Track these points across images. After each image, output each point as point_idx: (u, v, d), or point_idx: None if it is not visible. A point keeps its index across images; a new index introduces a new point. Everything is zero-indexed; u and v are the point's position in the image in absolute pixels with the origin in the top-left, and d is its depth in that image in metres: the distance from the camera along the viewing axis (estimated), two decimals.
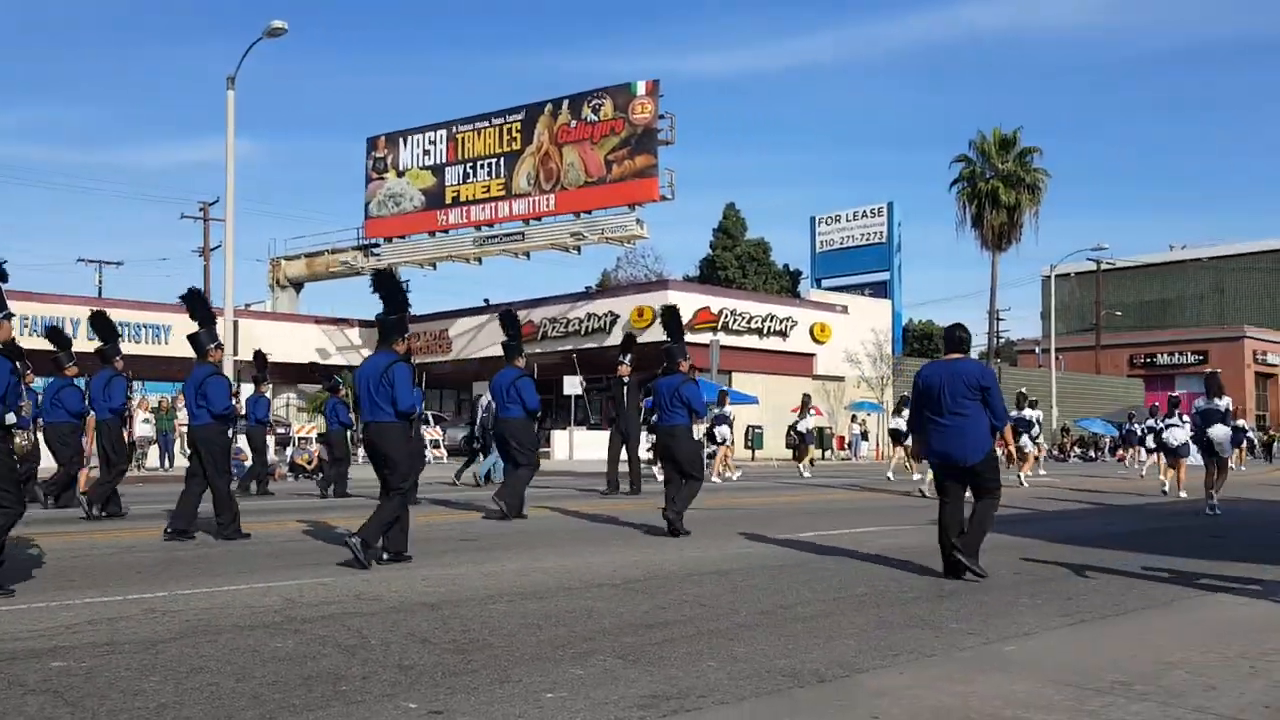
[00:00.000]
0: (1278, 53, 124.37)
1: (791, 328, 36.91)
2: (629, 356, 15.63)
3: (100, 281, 51.77)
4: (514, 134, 35.23)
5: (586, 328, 35.11)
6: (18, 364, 7.73)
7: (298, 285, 42.45)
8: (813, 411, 34.97)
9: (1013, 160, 42.92)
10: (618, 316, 34.40)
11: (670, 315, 11.05)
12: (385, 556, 7.65)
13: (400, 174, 38.00)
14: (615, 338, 34.49)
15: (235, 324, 24.60)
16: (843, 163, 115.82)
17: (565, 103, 34.18)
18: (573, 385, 26.48)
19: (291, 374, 38.59)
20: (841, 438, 38.56)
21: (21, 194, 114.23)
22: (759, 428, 32.42)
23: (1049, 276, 61.24)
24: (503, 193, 35.28)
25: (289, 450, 23.52)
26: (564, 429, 31.96)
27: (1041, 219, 43.88)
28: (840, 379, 38.23)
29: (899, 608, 6.07)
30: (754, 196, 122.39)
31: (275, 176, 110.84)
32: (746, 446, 32.19)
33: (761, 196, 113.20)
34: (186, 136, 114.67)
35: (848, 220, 48.52)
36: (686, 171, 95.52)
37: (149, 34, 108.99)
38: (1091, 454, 43.00)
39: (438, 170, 37.05)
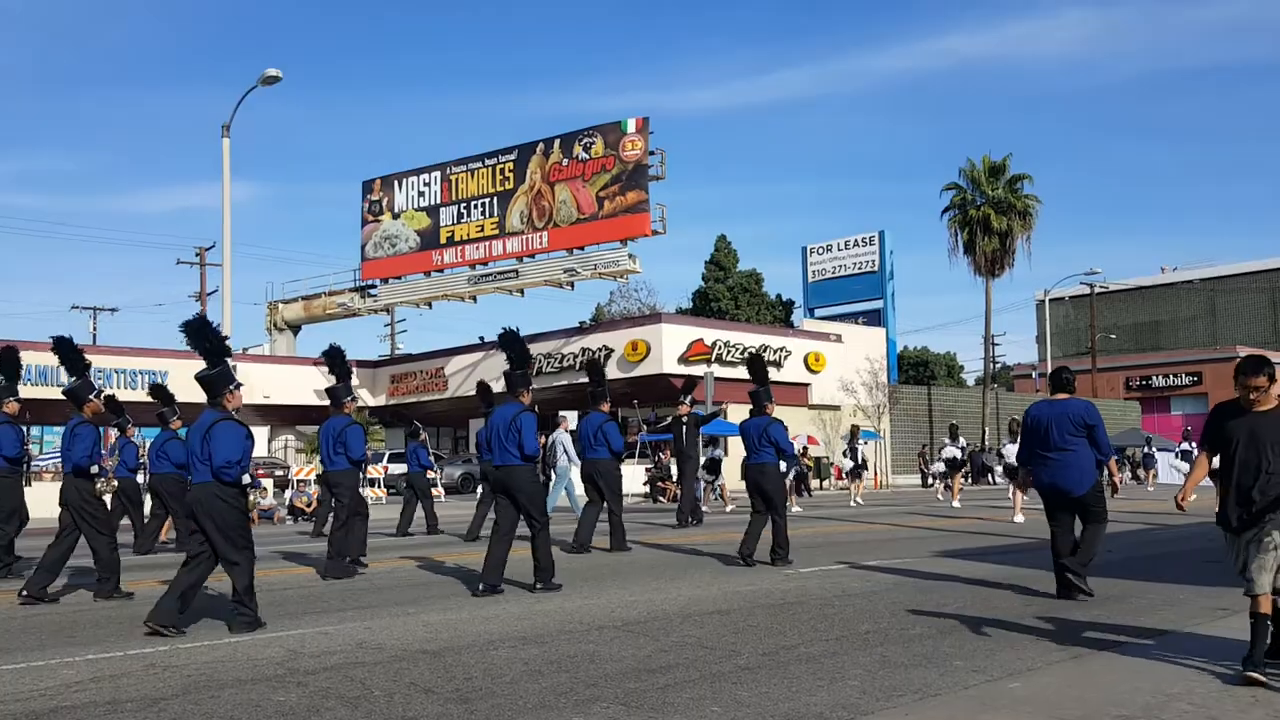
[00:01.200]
0: (1262, 78, 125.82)
1: (786, 358, 36.99)
2: (689, 397, 17.05)
3: (95, 328, 51.84)
4: (507, 174, 35.50)
5: (581, 363, 35.16)
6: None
7: (295, 328, 42.53)
8: (808, 441, 35.06)
9: (1003, 187, 43.20)
10: (612, 351, 34.47)
11: (756, 362, 11.75)
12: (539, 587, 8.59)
13: (396, 216, 38.22)
14: (610, 371, 34.49)
15: (234, 368, 24.59)
16: (833, 192, 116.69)
17: (557, 142, 34.48)
18: (569, 422, 26.45)
19: (290, 416, 38.55)
20: (839, 467, 38.48)
21: (13, 241, 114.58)
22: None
23: (1043, 301, 61.47)
24: (496, 231, 35.48)
25: (288, 493, 23.46)
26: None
27: (1034, 244, 44.11)
28: (836, 408, 38.25)
29: (902, 645, 6.07)
30: (745, 228, 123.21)
31: (272, 220, 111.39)
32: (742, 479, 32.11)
33: (753, 228, 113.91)
34: (183, 182, 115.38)
35: (839, 250, 48.76)
36: (678, 205, 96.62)
37: (145, 81, 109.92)
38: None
39: (432, 211, 37.28)
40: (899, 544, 12.90)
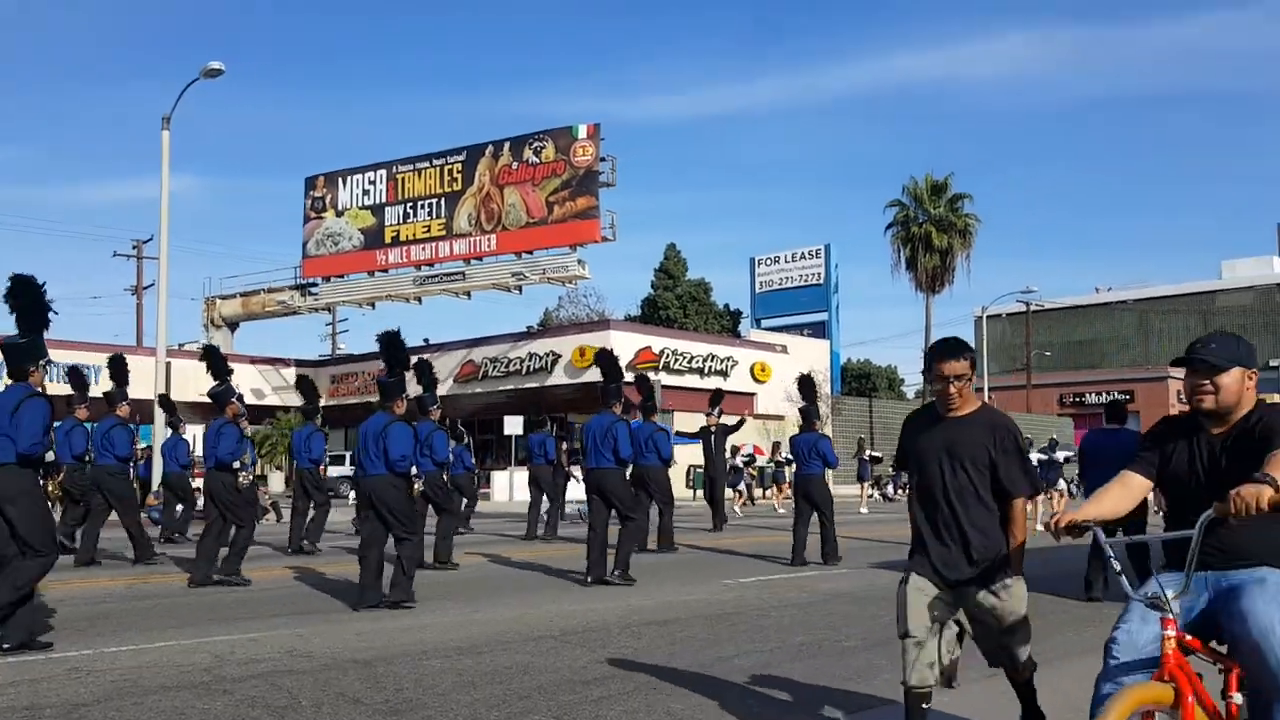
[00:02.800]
0: (1194, 103, 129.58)
1: (732, 367, 37.21)
2: (718, 410, 17.46)
3: None
4: (455, 175, 35.22)
5: (528, 367, 35.03)
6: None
7: (233, 325, 41.74)
8: (753, 451, 35.23)
9: (944, 205, 43.97)
10: (559, 356, 34.38)
11: (806, 382, 12.65)
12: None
13: (339, 213, 37.71)
14: (557, 377, 34.45)
15: (168, 364, 24.10)
16: (782, 205, 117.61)
17: (507, 144, 34.29)
18: (514, 425, 26.34)
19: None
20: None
21: None
22: (700, 467, 32.49)
23: (981, 317, 62.62)
24: (443, 233, 35.16)
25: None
26: (504, 470, 31.74)
27: (973, 262, 44.97)
28: (781, 418, 38.55)
29: (835, 658, 6.13)
30: (695, 237, 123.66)
31: (212, 214, 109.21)
32: (688, 487, 32.27)
33: (702, 237, 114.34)
34: (124, 175, 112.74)
35: (786, 261, 49.17)
36: (628, 212, 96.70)
37: (86, 73, 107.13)
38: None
39: (377, 210, 36.84)
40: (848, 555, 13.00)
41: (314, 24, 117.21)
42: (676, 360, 35.17)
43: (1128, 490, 3.33)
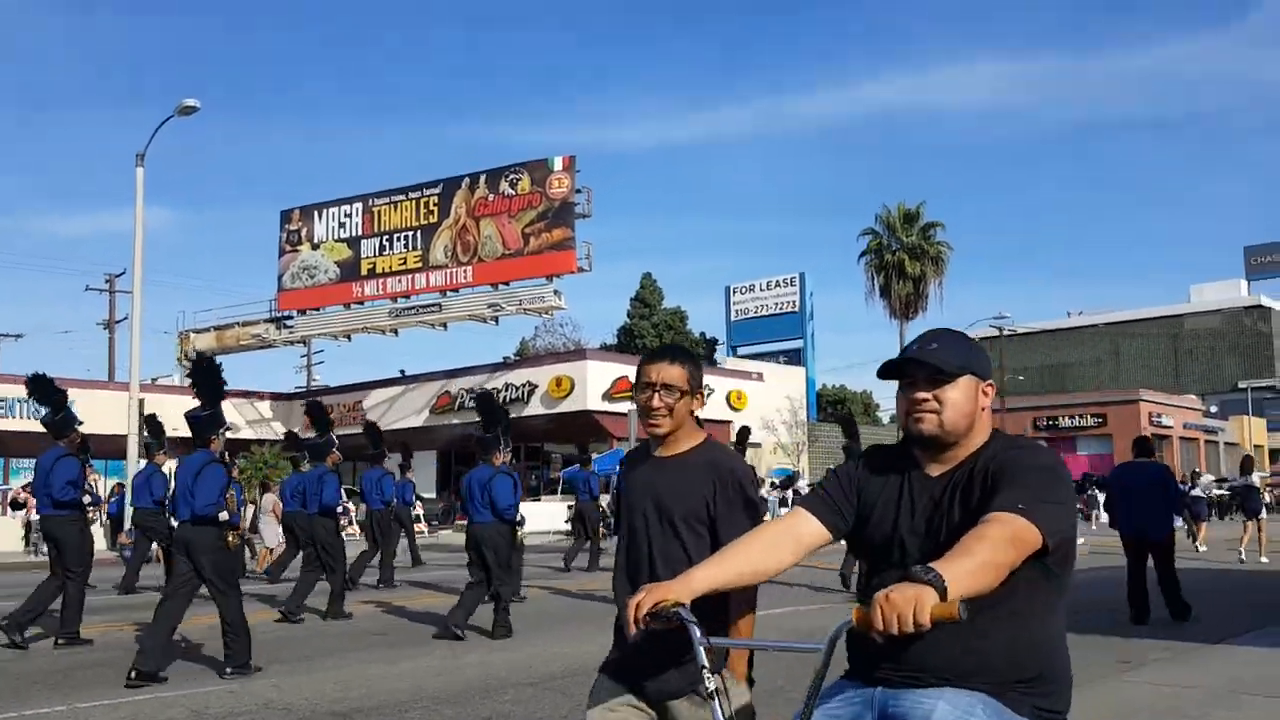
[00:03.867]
0: (1162, 130, 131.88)
1: (709, 395, 37.08)
2: (744, 446, 15.95)
3: None
4: (431, 207, 35.28)
5: (505, 398, 34.93)
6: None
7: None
8: None
9: (917, 234, 44.47)
10: (536, 386, 34.38)
11: (847, 422, 12.78)
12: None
13: (315, 246, 37.64)
14: (534, 407, 34.40)
15: (141, 400, 23.89)
16: (757, 233, 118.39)
17: (483, 177, 34.42)
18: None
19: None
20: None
21: None
22: None
23: None
24: (419, 264, 35.17)
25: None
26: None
27: (945, 287, 45.45)
28: (757, 445, 38.64)
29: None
30: (671, 266, 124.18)
31: (186, 247, 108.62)
32: None
33: (678, 266, 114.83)
34: (98, 207, 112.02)
35: (761, 290, 49.48)
36: (604, 241, 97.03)
37: (61, 105, 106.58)
38: None
39: (353, 243, 36.81)
40: (806, 594, 13.00)
41: (289, 57, 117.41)
42: None
43: (784, 540, 2.28)
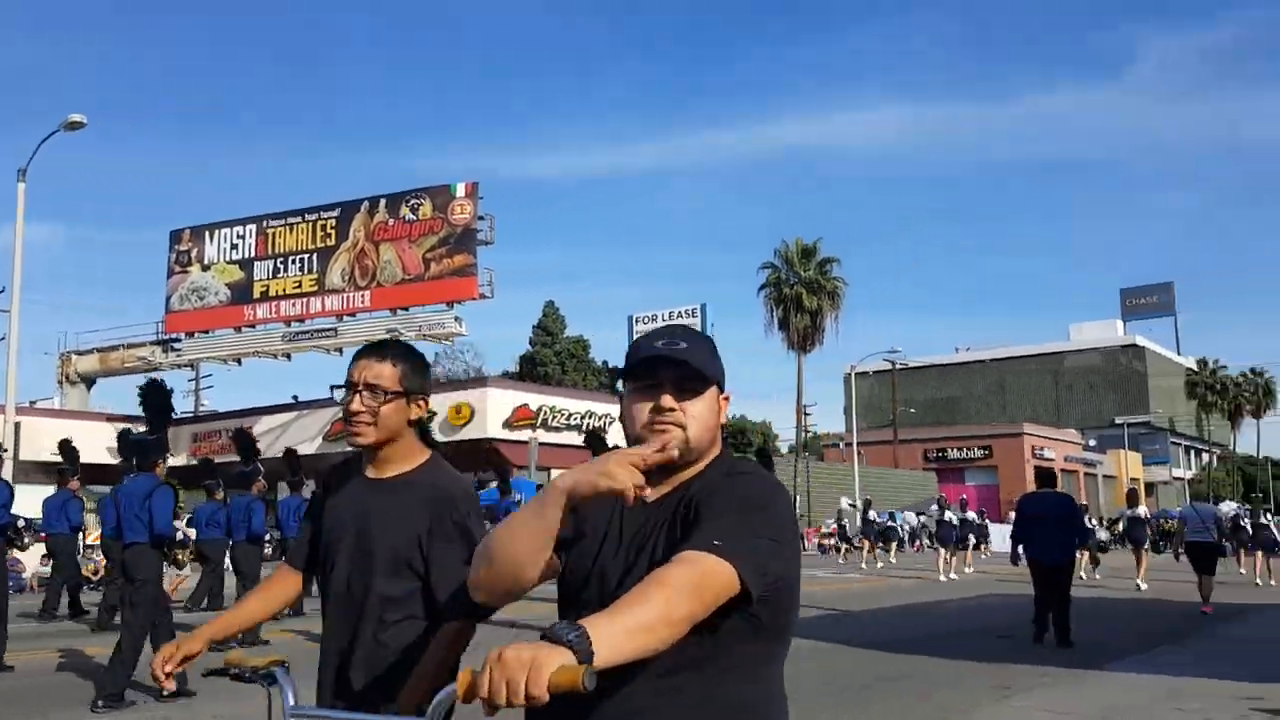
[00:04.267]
0: (1047, 174, 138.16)
1: (611, 424, 37.33)
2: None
3: None
4: (329, 230, 34.62)
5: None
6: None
7: (89, 381, 39.70)
8: None
9: (814, 268, 45.51)
10: (434, 414, 33.84)
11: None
12: None
13: (205, 268, 36.52)
14: (433, 435, 33.83)
15: (17, 425, 22.78)
16: (660, 263, 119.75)
17: (383, 201, 33.97)
18: None
19: (82, 474, 35.71)
20: None
21: None
22: None
23: (850, 375, 64.70)
24: (315, 288, 34.43)
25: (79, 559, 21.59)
26: None
27: (842, 322, 46.59)
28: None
29: None
30: (574, 294, 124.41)
31: (70, 267, 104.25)
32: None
33: (581, 295, 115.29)
34: None
35: (664, 320, 49.83)
36: (507, 268, 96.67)
37: None
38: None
39: (246, 265, 35.84)
40: None
41: (182, 74, 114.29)
42: (554, 417, 35.10)
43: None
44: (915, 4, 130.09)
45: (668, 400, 1.77)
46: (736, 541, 1.59)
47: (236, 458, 14.98)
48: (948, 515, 22.53)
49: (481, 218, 32.47)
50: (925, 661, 8.78)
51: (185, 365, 39.95)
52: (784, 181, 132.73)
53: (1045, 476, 11.22)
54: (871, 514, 31.36)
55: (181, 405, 51.40)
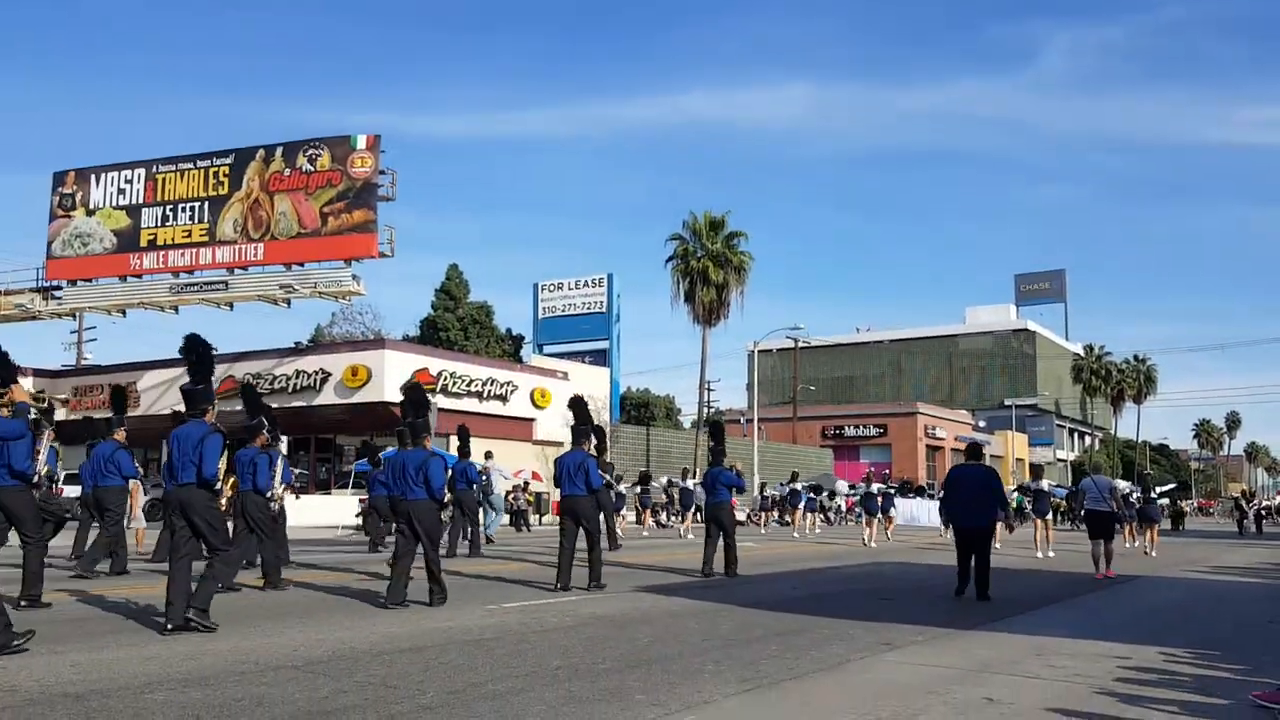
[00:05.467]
0: (947, 161, 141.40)
1: (512, 392, 36.93)
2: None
3: None
4: (221, 178, 33.24)
5: (295, 385, 33.35)
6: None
7: None
8: (531, 477, 35.07)
9: (721, 242, 45.62)
10: (330, 375, 32.97)
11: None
12: None
13: (90, 213, 34.73)
14: (327, 396, 32.97)
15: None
16: (568, 232, 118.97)
17: (279, 150, 32.69)
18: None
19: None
20: (557, 503, 38.81)
21: None
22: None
23: (753, 352, 65.38)
24: (205, 239, 33.04)
25: None
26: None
27: (747, 298, 46.89)
28: (560, 444, 38.57)
29: (589, 680, 6.08)
30: (479, 260, 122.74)
31: None
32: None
33: (486, 261, 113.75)
34: None
35: (570, 289, 49.53)
36: (411, 231, 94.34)
37: None
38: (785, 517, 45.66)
39: (133, 211, 34.19)
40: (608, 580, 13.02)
41: (74, 11, 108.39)
42: (455, 383, 34.54)
43: None
44: None
45: None
46: None
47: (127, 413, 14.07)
48: (874, 488, 25.57)
49: (383, 172, 31.57)
50: (811, 620, 8.84)
51: (67, 314, 38.04)
52: (693, 154, 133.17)
53: (973, 451, 12.39)
54: (769, 491, 33.93)
55: (61, 357, 49.13)
